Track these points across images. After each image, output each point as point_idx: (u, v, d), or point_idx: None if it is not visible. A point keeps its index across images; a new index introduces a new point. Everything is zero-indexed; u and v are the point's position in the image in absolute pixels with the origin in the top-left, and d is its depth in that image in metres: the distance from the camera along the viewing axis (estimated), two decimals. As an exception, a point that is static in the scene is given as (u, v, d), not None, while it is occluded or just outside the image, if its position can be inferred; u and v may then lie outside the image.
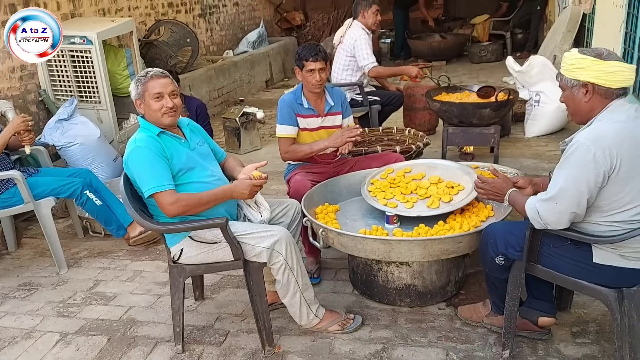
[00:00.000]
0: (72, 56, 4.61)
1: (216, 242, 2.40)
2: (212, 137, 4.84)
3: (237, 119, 5.37)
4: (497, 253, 2.23)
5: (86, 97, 4.71)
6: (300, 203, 2.76)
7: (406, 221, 2.70)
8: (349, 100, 3.47)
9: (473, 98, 4.29)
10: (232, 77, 7.71)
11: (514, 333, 2.33)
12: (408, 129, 4.16)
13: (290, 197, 2.94)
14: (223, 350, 2.54)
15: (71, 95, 4.65)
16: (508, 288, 2.26)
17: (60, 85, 4.75)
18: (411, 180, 2.92)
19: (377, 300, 2.81)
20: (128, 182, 2.42)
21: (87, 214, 3.61)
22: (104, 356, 2.55)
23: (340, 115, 3.22)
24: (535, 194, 2.35)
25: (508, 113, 4.79)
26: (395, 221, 2.71)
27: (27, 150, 3.45)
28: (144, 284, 3.19)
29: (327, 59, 3.06)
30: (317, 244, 2.67)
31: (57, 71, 4.70)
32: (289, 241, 2.38)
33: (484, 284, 2.64)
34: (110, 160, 4.41)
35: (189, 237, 2.44)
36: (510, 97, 4.11)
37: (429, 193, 2.78)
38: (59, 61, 4.64)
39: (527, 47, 9.09)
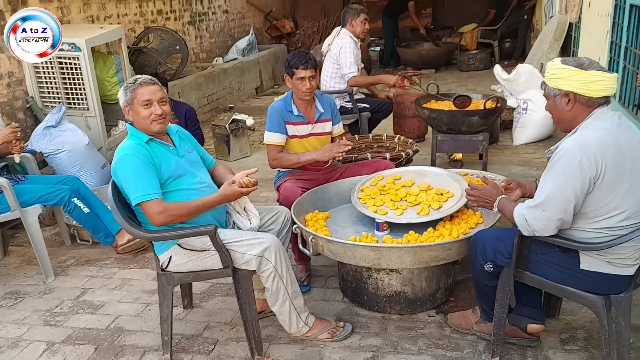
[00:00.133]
0: (61, 63, 4.58)
1: (205, 250, 2.39)
2: (203, 142, 4.85)
3: (226, 126, 5.36)
4: (486, 260, 2.24)
5: (74, 104, 4.68)
6: (290, 210, 2.76)
7: (396, 228, 2.71)
8: (338, 107, 3.49)
9: (449, 106, 4.27)
10: (221, 84, 7.70)
11: (503, 340, 2.33)
12: (398, 136, 4.18)
13: (280, 204, 2.93)
14: (212, 359, 2.52)
15: (59, 102, 4.62)
16: (497, 295, 2.27)
17: (48, 92, 4.72)
18: (401, 187, 2.93)
19: (367, 307, 2.81)
20: (116, 189, 2.40)
21: (74, 221, 3.58)
22: (91, 366, 2.53)
23: (330, 122, 3.23)
24: (523, 196, 2.39)
25: (496, 121, 4.83)
26: (385, 228, 2.71)
27: (17, 158, 3.43)
28: (132, 292, 3.16)
29: (317, 67, 3.08)
30: (306, 251, 2.66)
31: (45, 78, 4.67)
32: (279, 249, 2.37)
33: (473, 291, 2.65)
34: (99, 167, 4.38)
35: (178, 244, 2.42)
36: (499, 105, 4.14)
37: (419, 200, 2.79)
38: (47, 68, 4.61)
39: (514, 55, 9.20)
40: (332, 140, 3.28)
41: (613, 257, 1.99)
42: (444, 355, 2.43)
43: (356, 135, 4.20)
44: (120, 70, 5.10)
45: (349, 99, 4.63)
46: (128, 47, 5.73)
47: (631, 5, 3.75)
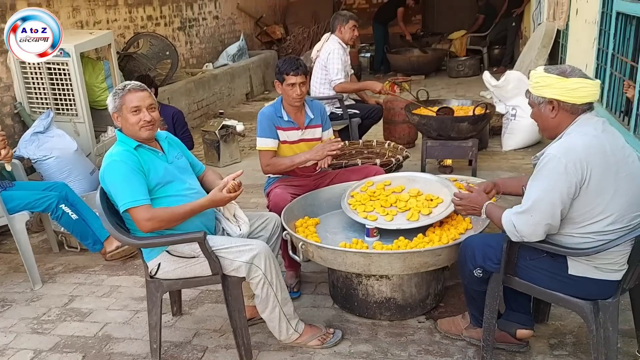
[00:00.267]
0: (49, 68, 4.55)
1: (194, 257, 2.38)
2: (192, 145, 4.83)
3: (216, 131, 5.34)
4: (475, 266, 2.25)
5: (63, 109, 4.64)
6: (280, 216, 2.75)
7: (386, 234, 2.71)
8: (329, 113, 3.50)
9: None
10: (212, 90, 7.69)
11: (492, 345, 2.34)
12: (388, 142, 4.19)
13: (270, 211, 2.92)
14: (201, 367, 2.51)
15: (47, 108, 4.58)
16: (486, 300, 2.28)
17: (37, 98, 4.68)
18: (391, 193, 2.93)
19: (357, 314, 2.80)
20: (105, 196, 2.39)
21: (62, 228, 3.55)
22: (78, 374, 2.50)
23: (320, 128, 3.24)
24: (498, 193, 2.40)
25: (485, 127, 4.86)
26: (375, 234, 2.72)
27: (8, 167, 3.40)
28: (120, 299, 3.14)
29: (307, 73, 3.08)
30: (296, 257, 2.66)
31: (34, 83, 4.63)
32: (268, 255, 2.37)
33: (462, 297, 2.66)
34: (87, 173, 4.35)
35: (167, 251, 2.41)
36: (488, 111, 4.17)
37: (409, 206, 2.80)
38: (36, 73, 4.58)
39: (503, 62, 9.27)
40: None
41: (600, 262, 2.00)
42: (434, 361, 2.44)
43: (346, 141, 4.21)
44: (110, 76, 5.07)
45: (339, 105, 4.64)
46: (117, 52, 5.71)
47: (617, 13, 3.80)
